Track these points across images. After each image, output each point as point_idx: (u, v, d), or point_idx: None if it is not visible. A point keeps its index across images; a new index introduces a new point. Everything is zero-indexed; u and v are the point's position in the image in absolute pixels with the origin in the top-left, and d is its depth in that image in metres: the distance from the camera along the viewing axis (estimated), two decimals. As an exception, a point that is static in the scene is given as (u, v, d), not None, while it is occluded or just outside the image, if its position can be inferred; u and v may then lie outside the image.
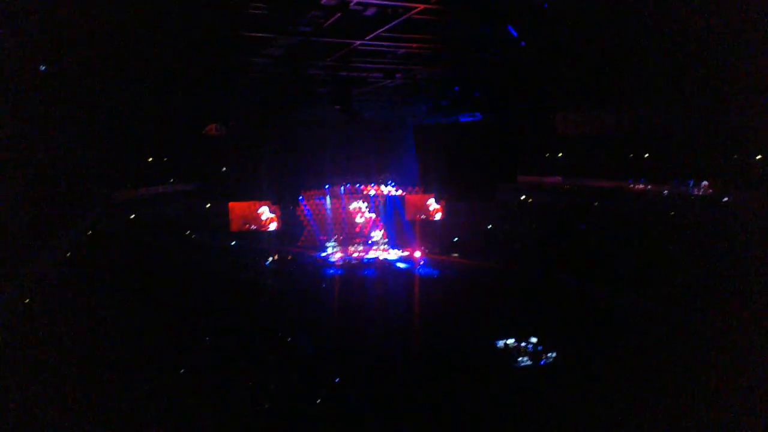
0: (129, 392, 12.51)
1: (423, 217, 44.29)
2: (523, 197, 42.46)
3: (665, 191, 32.78)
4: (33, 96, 17.38)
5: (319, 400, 15.27)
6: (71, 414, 9.93)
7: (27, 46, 12.21)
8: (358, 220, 43.79)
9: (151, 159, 40.88)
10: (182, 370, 15.60)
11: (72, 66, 15.25)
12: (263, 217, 39.31)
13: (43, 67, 14.38)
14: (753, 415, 13.81)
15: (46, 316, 15.92)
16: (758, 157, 28.14)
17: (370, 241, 43.25)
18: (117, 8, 10.36)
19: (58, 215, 22.60)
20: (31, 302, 16.43)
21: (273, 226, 39.74)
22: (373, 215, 44.10)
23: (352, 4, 10.34)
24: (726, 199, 28.48)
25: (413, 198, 44.03)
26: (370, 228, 44.52)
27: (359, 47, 14.16)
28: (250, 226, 39.11)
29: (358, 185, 44.38)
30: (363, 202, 44.29)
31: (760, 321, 19.33)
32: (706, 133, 28.21)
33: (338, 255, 39.41)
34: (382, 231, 44.00)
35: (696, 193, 30.84)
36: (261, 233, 39.35)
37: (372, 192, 44.86)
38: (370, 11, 11.05)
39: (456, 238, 40.48)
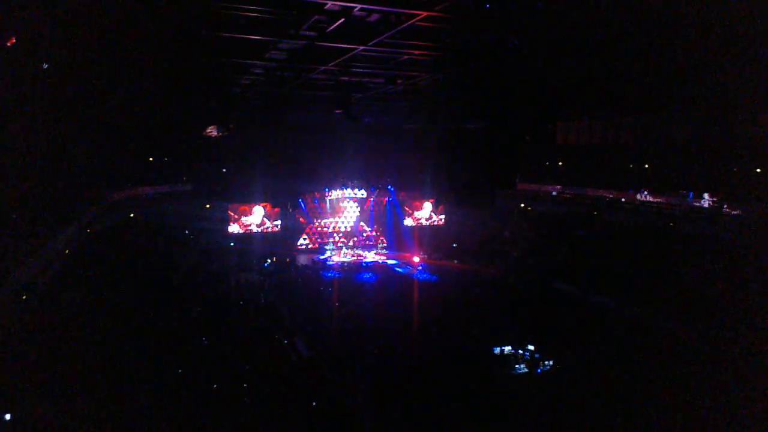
0: (125, 391, 12.50)
1: (422, 222, 44.35)
2: (522, 205, 42.55)
3: (665, 202, 32.86)
4: (34, 96, 17.43)
5: (314, 403, 15.25)
6: (67, 412, 9.93)
7: (29, 45, 12.26)
8: (352, 220, 43.87)
9: (151, 159, 41.05)
10: (179, 370, 15.57)
11: (74, 67, 15.31)
12: (262, 219, 39.39)
13: (46, 65, 14.44)
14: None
15: (43, 313, 15.91)
16: (758, 170, 28.18)
17: (368, 245, 43.29)
18: (121, 10, 10.42)
19: (57, 213, 22.63)
20: (28, 299, 16.42)
21: (272, 228, 39.86)
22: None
23: (355, 9, 10.39)
24: (737, 212, 28.49)
25: (412, 203, 44.08)
26: (367, 232, 44.57)
27: (362, 53, 14.23)
28: (249, 227, 39.21)
29: (357, 189, 44.40)
30: (359, 205, 44.31)
31: (760, 332, 19.37)
32: (710, 144, 28.30)
33: (337, 258, 39.38)
34: (382, 236, 44.04)
35: (700, 205, 30.90)
36: (260, 235, 39.48)
37: (372, 196, 44.89)
38: (373, 17, 11.11)
39: (455, 244, 40.45)
